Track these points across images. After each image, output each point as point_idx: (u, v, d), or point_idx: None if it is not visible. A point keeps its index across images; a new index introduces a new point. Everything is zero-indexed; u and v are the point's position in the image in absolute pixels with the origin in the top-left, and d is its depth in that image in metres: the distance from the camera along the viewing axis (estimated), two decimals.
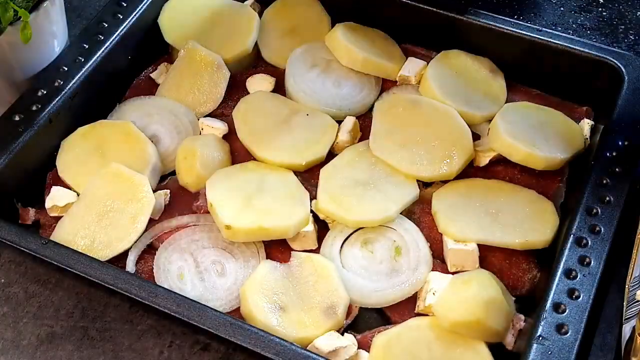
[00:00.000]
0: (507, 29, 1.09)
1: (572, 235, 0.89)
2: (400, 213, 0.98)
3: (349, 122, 1.06)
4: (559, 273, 0.86)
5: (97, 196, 0.99)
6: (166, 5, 1.18)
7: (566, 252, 0.88)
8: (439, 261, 0.96)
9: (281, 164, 1.02)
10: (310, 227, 0.96)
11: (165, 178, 1.06)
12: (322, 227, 0.99)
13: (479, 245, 0.94)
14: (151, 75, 1.16)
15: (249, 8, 1.19)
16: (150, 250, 0.98)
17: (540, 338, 0.82)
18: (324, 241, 0.97)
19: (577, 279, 0.86)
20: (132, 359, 0.92)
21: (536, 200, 0.98)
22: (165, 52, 1.19)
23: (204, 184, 0.99)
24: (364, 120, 1.09)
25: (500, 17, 1.11)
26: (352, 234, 0.98)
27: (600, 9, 1.28)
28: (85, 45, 1.10)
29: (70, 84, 1.06)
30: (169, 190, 1.02)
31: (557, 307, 0.84)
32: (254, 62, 1.18)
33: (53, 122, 1.04)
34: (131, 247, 0.96)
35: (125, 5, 1.14)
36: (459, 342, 0.87)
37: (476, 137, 1.05)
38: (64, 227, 0.97)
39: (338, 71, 1.13)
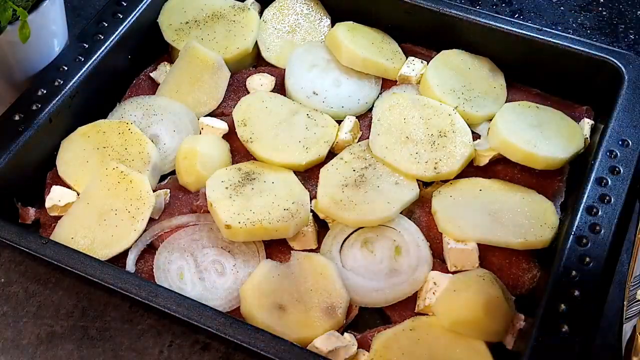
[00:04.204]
0: (507, 29, 1.09)
1: (572, 235, 0.89)
2: (400, 213, 0.98)
3: (349, 122, 1.06)
4: (559, 273, 0.86)
5: (97, 196, 0.99)
6: (166, 5, 1.18)
7: (566, 251, 0.88)
8: (439, 261, 0.96)
9: (281, 164, 1.02)
10: (310, 227, 0.97)
11: (165, 178, 1.06)
12: (322, 227, 0.99)
13: (479, 245, 0.94)
14: (151, 74, 1.16)
15: (249, 8, 1.19)
16: (150, 249, 0.98)
17: (541, 337, 0.82)
18: (324, 241, 0.98)
19: (577, 278, 0.86)
20: (132, 359, 0.92)
21: (536, 200, 0.98)
22: (165, 52, 1.19)
23: (204, 183, 0.99)
24: (364, 120, 1.09)
25: (500, 17, 1.11)
26: (352, 233, 0.97)
27: (600, 9, 1.28)
28: (85, 45, 1.10)
29: (70, 84, 1.06)
30: (169, 190, 1.02)
31: (557, 307, 0.84)
32: (254, 62, 1.18)
33: (53, 122, 1.04)
34: (131, 247, 0.96)
35: (125, 5, 1.14)
36: (459, 341, 0.87)
37: (476, 137, 1.05)
38: (64, 227, 0.97)
39: (338, 71, 1.13)
